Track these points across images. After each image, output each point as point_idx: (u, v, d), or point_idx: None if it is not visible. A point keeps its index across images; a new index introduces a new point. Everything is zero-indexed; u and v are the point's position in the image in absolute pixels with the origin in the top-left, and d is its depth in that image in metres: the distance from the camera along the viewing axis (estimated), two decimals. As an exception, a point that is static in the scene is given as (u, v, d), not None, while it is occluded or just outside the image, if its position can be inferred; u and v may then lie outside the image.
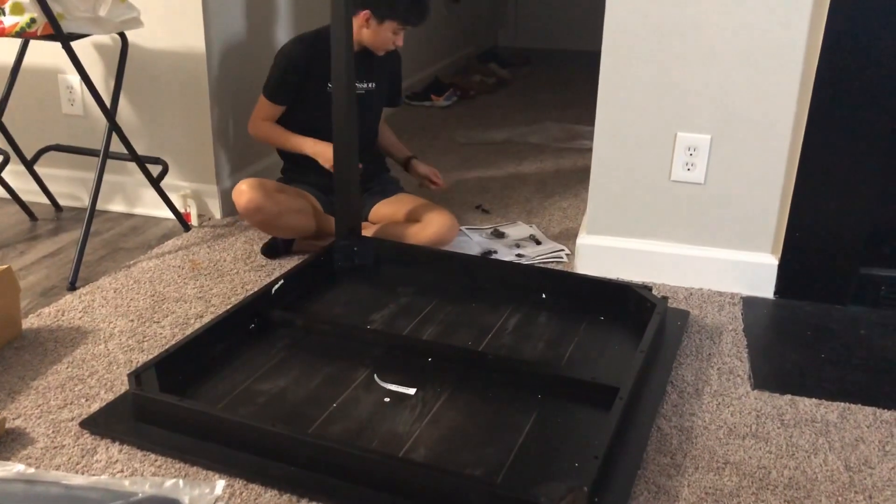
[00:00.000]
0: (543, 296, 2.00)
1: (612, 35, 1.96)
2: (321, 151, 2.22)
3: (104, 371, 1.70)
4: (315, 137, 2.25)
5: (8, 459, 1.39)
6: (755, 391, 1.66)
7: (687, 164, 2.02)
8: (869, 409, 1.60)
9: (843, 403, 1.62)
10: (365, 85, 2.31)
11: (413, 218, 2.27)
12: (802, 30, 1.85)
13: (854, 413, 1.59)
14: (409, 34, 2.28)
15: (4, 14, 1.98)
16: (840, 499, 1.36)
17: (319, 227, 2.26)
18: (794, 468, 1.44)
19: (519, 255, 2.27)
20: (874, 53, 1.82)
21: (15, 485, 1.15)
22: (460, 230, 2.41)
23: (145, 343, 1.81)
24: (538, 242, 2.36)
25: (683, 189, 2.05)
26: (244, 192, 2.14)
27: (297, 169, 2.36)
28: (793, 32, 1.86)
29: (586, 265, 2.15)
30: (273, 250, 2.26)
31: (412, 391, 1.62)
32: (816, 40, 1.85)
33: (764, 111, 1.93)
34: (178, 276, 2.13)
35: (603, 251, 2.14)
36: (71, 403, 1.59)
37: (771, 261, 2.04)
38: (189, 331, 1.84)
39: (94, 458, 1.44)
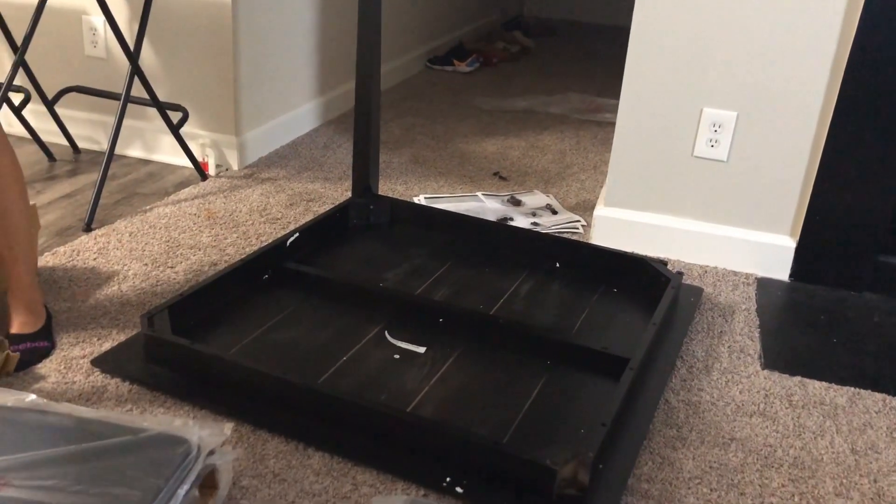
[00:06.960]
0: (557, 265, 2.00)
1: (643, 6, 1.93)
2: None
3: (116, 312, 1.71)
4: None
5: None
6: (765, 371, 1.66)
7: (711, 140, 1.99)
8: (879, 396, 1.60)
9: (852, 388, 1.61)
10: None
11: None
12: (839, 10, 1.82)
13: (864, 398, 1.59)
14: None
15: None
16: (844, 480, 1.36)
17: None
18: (800, 448, 1.44)
19: (535, 224, 2.26)
20: (910, 38, 1.79)
21: (28, 414, 1.16)
22: (475, 195, 2.40)
23: (158, 287, 1.82)
24: (554, 212, 2.35)
25: (705, 166, 2.03)
26: None
27: None
28: (829, 13, 1.83)
29: (602, 237, 2.14)
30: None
31: (422, 350, 1.62)
32: (852, 22, 1.81)
33: (793, 92, 1.91)
34: (194, 224, 2.13)
35: (619, 224, 2.12)
36: (83, 341, 1.60)
37: (789, 243, 2.03)
38: (203, 278, 1.85)
39: (104, 396, 1.45)
